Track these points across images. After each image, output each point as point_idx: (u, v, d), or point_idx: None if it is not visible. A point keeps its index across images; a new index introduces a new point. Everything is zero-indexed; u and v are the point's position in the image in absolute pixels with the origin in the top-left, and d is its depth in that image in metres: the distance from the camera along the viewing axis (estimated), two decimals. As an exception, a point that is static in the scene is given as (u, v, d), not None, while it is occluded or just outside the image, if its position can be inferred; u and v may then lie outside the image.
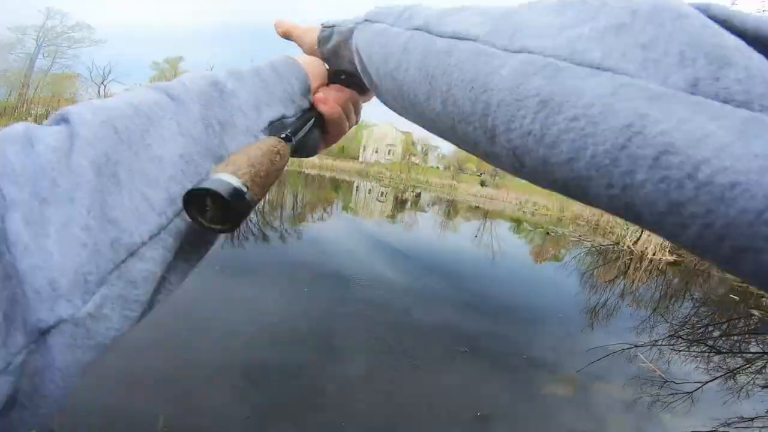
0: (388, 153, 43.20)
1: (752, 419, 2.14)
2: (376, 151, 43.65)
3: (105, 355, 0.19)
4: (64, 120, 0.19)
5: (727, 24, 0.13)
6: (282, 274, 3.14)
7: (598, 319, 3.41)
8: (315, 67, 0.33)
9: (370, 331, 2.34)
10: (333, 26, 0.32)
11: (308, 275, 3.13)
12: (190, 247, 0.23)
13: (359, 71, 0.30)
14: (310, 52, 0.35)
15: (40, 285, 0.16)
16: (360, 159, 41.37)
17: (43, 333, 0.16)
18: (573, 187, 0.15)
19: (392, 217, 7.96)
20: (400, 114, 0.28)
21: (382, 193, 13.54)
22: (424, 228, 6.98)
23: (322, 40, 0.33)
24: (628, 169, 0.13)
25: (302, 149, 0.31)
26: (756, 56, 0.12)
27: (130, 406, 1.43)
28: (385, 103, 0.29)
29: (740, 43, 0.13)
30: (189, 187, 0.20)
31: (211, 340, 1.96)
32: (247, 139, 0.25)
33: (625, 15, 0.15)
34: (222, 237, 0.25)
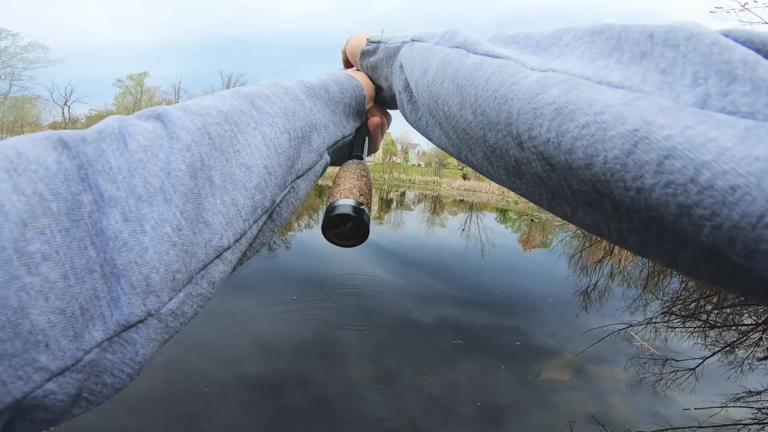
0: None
1: (759, 393, 2.17)
2: (357, 153, 43.48)
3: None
4: (159, 119, 0.20)
5: (748, 44, 0.13)
6: (273, 285, 3.06)
7: (590, 300, 3.45)
8: (370, 89, 0.36)
9: (364, 332, 2.27)
10: (379, 42, 0.34)
11: (299, 283, 3.05)
12: (246, 254, 0.24)
13: (399, 88, 0.31)
14: (351, 60, 0.38)
15: (137, 280, 0.16)
16: (341, 162, 41.03)
17: (128, 328, 0.16)
18: (602, 189, 0.15)
19: (379, 218, 7.89)
20: (429, 134, 0.29)
21: (367, 194, 13.44)
22: (412, 226, 6.96)
23: (366, 53, 0.35)
24: (637, 174, 0.13)
25: None
26: (761, 67, 0.12)
27: (134, 429, 1.36)
28: (417, 124, 0.30)
29: (747, 55, 0.13)
30: (269, 196, 0.23)
31: (207, 358, 1.89)
32: (314, 157, 0.28)
33: (643, 41, 0.15)
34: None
